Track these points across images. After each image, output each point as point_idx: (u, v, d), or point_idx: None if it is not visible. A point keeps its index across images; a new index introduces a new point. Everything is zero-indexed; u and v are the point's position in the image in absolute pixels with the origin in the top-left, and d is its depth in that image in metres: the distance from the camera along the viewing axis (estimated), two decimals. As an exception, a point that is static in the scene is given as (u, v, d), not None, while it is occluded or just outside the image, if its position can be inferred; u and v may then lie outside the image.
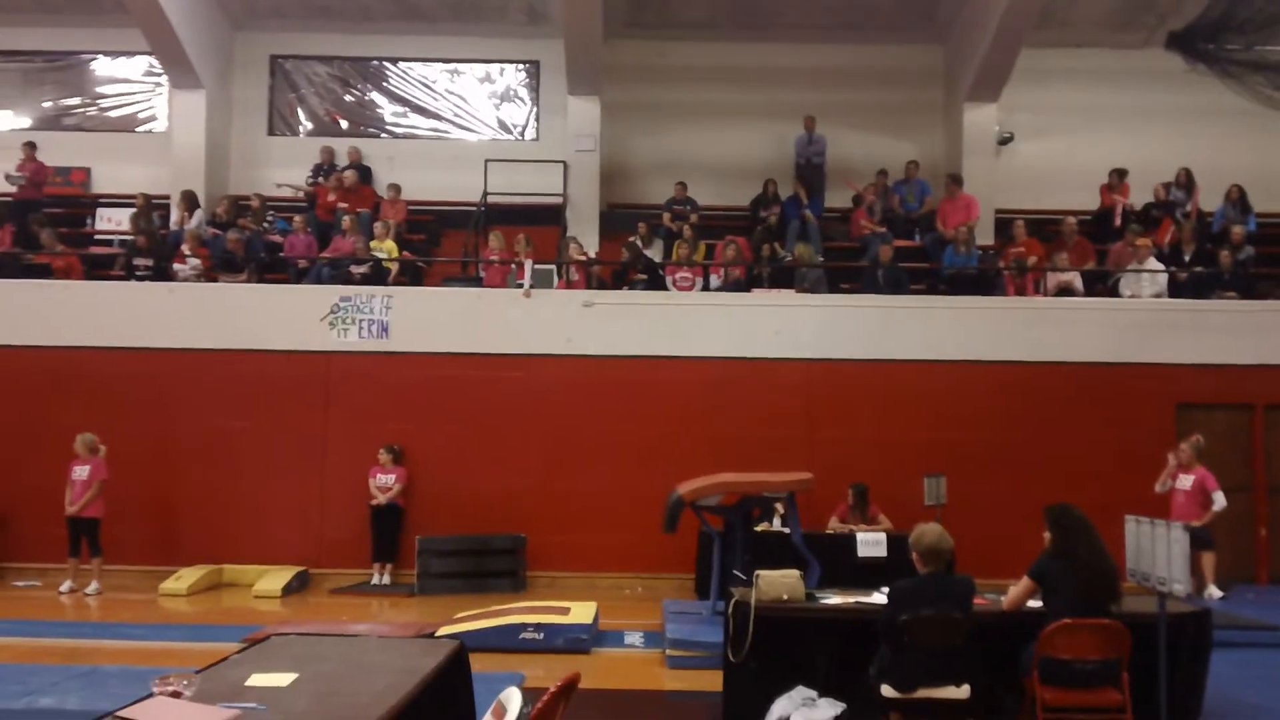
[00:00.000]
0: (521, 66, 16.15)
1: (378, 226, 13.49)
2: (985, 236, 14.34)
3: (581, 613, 8.86)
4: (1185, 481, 10.38)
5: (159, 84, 15.84)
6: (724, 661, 6.31)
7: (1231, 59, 12.32)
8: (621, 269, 13.20)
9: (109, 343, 12.16)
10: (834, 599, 6.53)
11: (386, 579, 11.68)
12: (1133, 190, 14.44)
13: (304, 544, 11.95)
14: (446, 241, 14.81)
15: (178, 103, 15.18)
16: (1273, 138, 14.49)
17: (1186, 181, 14.36)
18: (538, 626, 8.46)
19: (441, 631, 8.21)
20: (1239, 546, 11.70)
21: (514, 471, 11.97)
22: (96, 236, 15.07)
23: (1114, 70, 15.14)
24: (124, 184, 15.05)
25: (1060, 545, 5.68)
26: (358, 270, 12.75)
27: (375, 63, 16.19)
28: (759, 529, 10.36)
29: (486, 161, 14.68)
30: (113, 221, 15.04)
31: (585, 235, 14.22)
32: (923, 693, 5.30)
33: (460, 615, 9.13)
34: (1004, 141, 15.35)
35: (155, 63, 15.25)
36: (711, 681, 6.67)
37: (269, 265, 13.36)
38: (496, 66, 16.19)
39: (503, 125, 16.18)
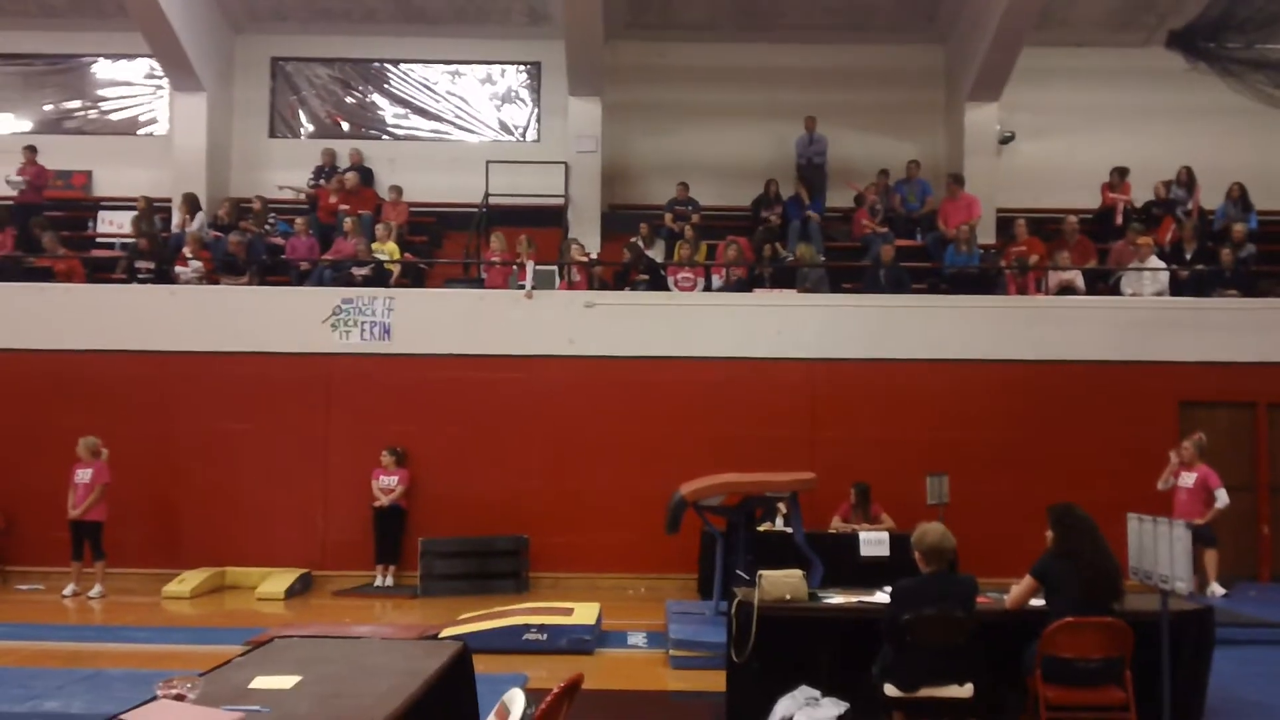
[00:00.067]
0: (522, 67, 16.16)
1: (379, 228, 13.49)
2: (987, 236, 14.34)
3: (584, 613, 8.87)
4: (1188, 479, 10.39)
5: (160, 87, 15.85)
6: (727, 661, 6.31)
7: (1232, 57, 12.33)
8: (623, 270, 13.20)
9: (111, 346, 12.17)
10: (837, 598, 6.54)
11: (389, 581, 11.69)
12: (1134, 189, 14.45)
13: (307, 546, 11.96)
14: (448, 243, 14.82)
15: (179, 105, 15.19)
16: (1273, 136, 14.48)
17: (1187, 180, 14.36)
18: (541, 627, 8.47)
19: (445, 633, 8.21)
20: (1241, 544, 11.69)
21: (516, 473, 11.97)
22: (98, 240, 15.07)
23: (1115, 69, 15.15)
24: (125, 187, 15.04)
25: (1063, 544, 5.68)
26: (359, 272, 12.76)
27: (376, 64, 16.19)
28: (761, 529, 10.36)
29: (488, 163, 14.69)
30: (114, 224, 15.05)
31: (587, 236, 14.23)
32: (926, 692, 5.30)
33: (463, 617, 9.14)
34: (1005, 141, 15.35)
35: (156, 65, 15.25)
36: (715, 682, 6.68)
37: (271, 267, 13.38)
38: (497, 68, 16.21)
39: (504, 126, 16.19)
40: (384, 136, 16.15)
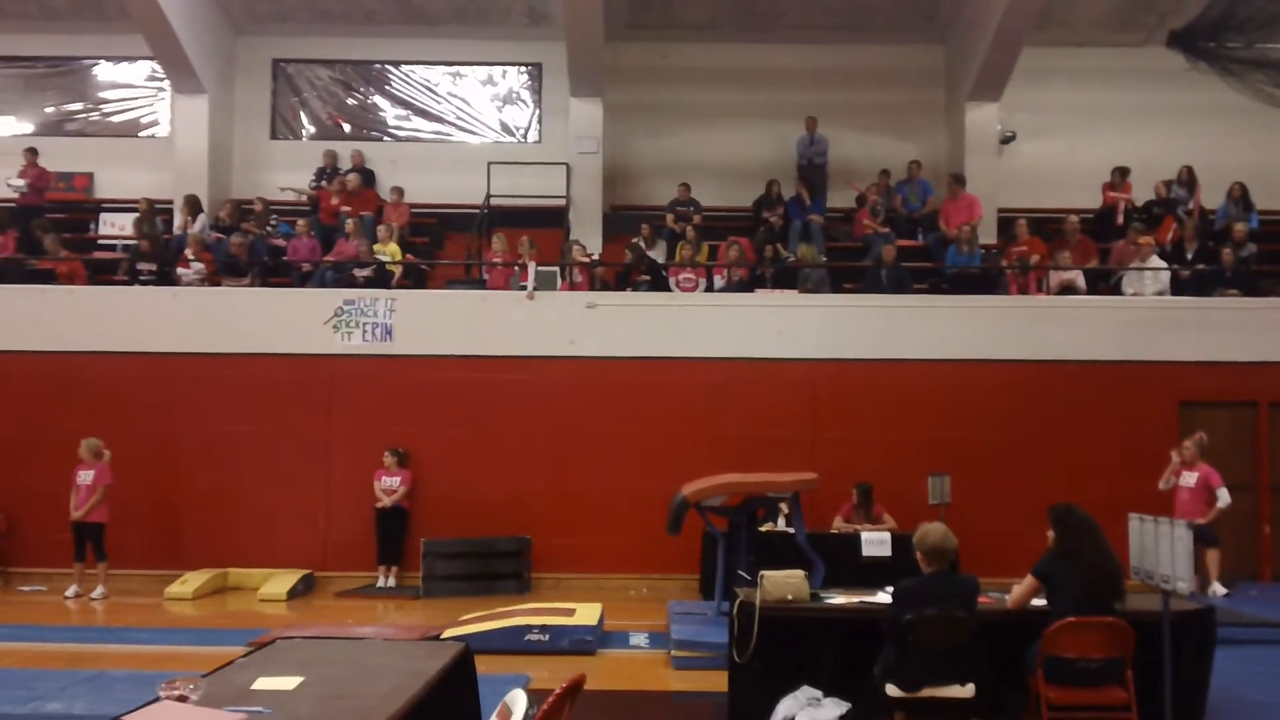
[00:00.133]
0: (524, 69, 16.17)
1: (381, 230, 13.50)
2: (988, 236, 14.34)
3: (586, 614, 8.88)
4: (1189, 479, 10.38)
5: (161, 89, 15.85)
6: (729, 662, 6.31)
7: (1232, 57, 12.34)
8: (625, 270, 13.21)
9: (113, 347, 12.18)
10: (838, 599, 6.54)
11: (391, 582, 11.70)
12: (1134, 188, 14.45)
13: (309, 547, 11.97)
14: (450, 244, 14.83)
15: (180, 107, 15.20)
16: (1274, 135, 14.48)
17: (1188, 179, 14.36)
18: (543, 628, 8.48)
19: (447, 634, 8.22)
20: (1243, 544, 11.69)
21: (518, 473, 11.99)
22: (100, 241, 15.06)
23: (1115, 69, 15.15)
24: (127, 189, 15.04)
25: (1064, 544, 5.68)
26: (361, 273, 12.77)
27: (377, 66, 16.19)
28: (763, 529, 10.36)
29: (489, 164, 14.69)
30: (116, 226, 15.06)
31: (588, 237, 14.24)
32: (927, 692, 5.31)
33: (465, 617, 9.14)
34: (1006, 141, 15.34)
35: (157, 68, 15.27)
36: (717, 682, 6.68)
37: (272, 269, 13.39)
38: (499, 69, 16.21)
39: (505, 128, 16.19)
40: (385, 138, 16.16)
